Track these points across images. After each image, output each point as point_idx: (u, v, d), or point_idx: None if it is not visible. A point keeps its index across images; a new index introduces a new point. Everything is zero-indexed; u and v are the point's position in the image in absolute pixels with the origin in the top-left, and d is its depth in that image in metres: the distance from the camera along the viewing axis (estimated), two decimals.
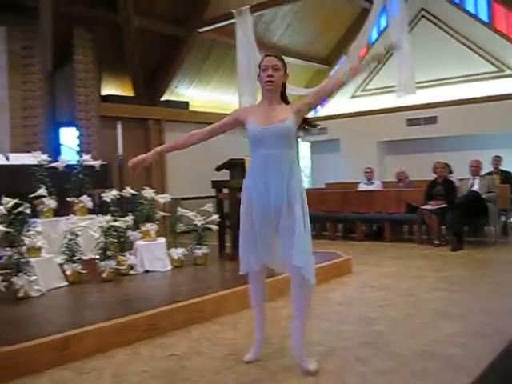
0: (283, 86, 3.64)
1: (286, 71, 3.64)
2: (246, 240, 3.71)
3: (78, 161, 7.32)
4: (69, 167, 6.94)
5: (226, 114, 3.86)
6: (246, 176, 3.68)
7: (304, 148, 16.58)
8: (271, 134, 3.47)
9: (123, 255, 6.32)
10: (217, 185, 7.52)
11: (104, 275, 5.99)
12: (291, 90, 11.21)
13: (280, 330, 4.59)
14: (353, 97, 15.16)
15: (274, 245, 3.62)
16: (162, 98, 12.74)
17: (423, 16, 13.70)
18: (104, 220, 6.16)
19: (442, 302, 5.35)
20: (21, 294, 5.21)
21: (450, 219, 8.89)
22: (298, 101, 3.76)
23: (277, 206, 3.50)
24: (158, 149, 4.01)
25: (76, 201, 6.79)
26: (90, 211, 6.94)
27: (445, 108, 12.79)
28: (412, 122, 13.21)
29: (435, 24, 13.54)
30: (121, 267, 6.23)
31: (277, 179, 3.49)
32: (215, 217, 7.12)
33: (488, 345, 3.97)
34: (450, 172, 10.27)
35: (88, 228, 6.19)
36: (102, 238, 6.10)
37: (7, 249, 5.44)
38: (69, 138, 11.02)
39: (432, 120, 13.00)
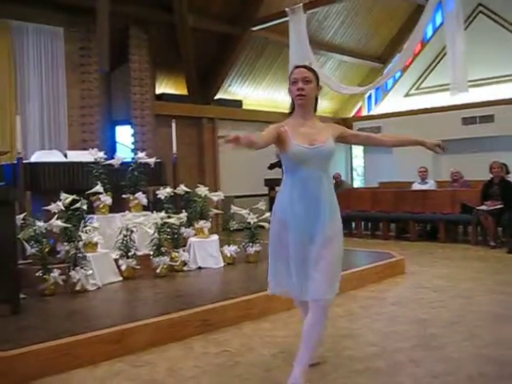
0: (316, 99, 3.42)
1: (318, 83, 3.40)
2: (277, 259, 3.44)
3: (133, 158, 7.44)
4: (124, 164, 7.06)
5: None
6: (278, 197, 3.45)
7: (357, 147, 16.43)
8: (315, 154, 3.24)
9: (177, 251, 6.42)
10: (269, 183, 7.55)
11: (158, 271, 6.10)
12: (344, 89, 11.22)
13: (334, 329, 4.58)
14: (407, 95, 14.95)
15: (306, 272, 3.28)
16: (216, 97, 12.85)
17: (480, 11, 13.37)
18: (158, 217, 6.27)
19: (497, 304, 5.23)
20: (78, 288, 5.36)
21: (507, 220, 8.67)
22: (334, 125, 3.61)
23: (313, 232, 3.26)
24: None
25: (131, 197, 6.91)
26: (145, 208, 7.05)
27: (502, 106, 12.45)
28: (468, 121, 12.93)
29: (493, 19, 13.20)
30: (174, 263, 6.33)
31: (316, 204, 3.26)
32: (268, 215, 7.13)
33: None
34: (507, 172, 9.99)
35: (143, 224, 6.31)
36: (156, 235, 6.22)
37: (65, 244, 5.61)
38: (124, 136, 11.25)
39: (489, 118, 12.69)
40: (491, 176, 9.31)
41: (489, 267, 7.31)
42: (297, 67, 3.41)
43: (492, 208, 8.88)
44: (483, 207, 8.96)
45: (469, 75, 9.02)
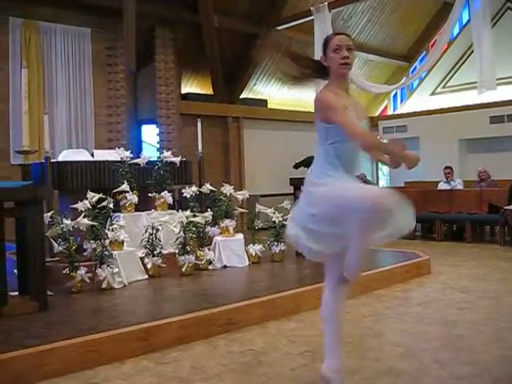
0: None
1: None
2: None
3: (159, 157, 7.49)
4: (150, 163, 7.11)
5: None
6: (323, 168, 3.01)
7: None
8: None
9: (202, 250, 6.46)
10: (294, 182, 7.53)
11: (183, 269, 6.13)
12: (371, 87, 11.15)
13: (359, 329, 4.57)
14: (433, 94, 14.81)
15: None
16: (241, 96, 12.88)
17: (509, 8, 13.19)
18: (184, 215, 6.30)
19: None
20: (104, 285, 5.42)
21: None
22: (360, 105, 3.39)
23: None
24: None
25: (157, 196, 6.95)
26: (170, 207, 7.09)
27: None
28: (495, 120, 12.74)
29: None
30: (199, 262, 6.36)
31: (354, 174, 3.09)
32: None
33: None
34: None
35: (168, 223, 6.34)
36: (181, 233, 6.25)
37: (92, 241, 5.66)
38: (150, 135, 11.34)
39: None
40: None
41: None
42: (337, 34, 3.11)
43: None
44: (511, 207, 8.85)
45: (497, 73, 8.91)
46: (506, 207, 8.91)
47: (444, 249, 8.95)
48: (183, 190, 7.01)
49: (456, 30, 14.10)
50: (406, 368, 3.64)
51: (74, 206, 5.78)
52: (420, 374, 3.53)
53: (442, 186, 10.92)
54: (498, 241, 9.36)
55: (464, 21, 13.75)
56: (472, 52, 8.89)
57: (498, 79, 9.19)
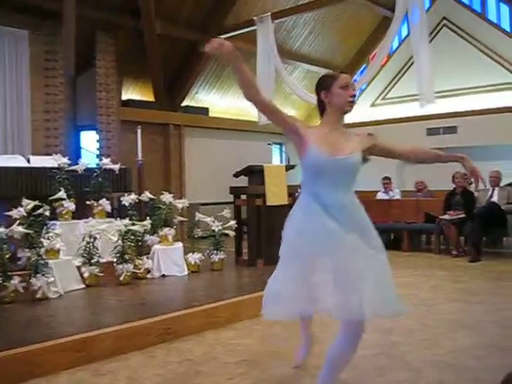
0: None
1: None
2: None
3: (98, 164, 7.37)
4: (88, 170, 6.99)
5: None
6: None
7: None
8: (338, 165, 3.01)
9: (140, 259, 6.37)
10: (235, 191, 7.54)
11: (121, 278, 6.03)
12: (312, 99, 11.27)
13: (298, 336, 4.58)
14: (373, 105, 15.11)
15: None
16: (183, 104, 12.81)
17: (445, 25, 13.63)
18: (122, 224, 6.21)
19: (459, 313, 5.31)
20: (39, 295, 5.27)
21: (469, 230, 8.83)
22: (369, 136, 3.43)
23: None
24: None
25: (95, 204, 6.83)
26: (109, 215, 6.99)
27: (465, 118, 12.69)
28: (432, 132, 13.12)
29: (457, 33, 13.46)
30: (138, 271, 6.27)
31: None
32: (233, 223, 7.14)
33: (504, 357, 3.94)
34: (470, 182, 10.18)
35: (106, 231, 6.24)
36: (119, 242, 6.15)
37: (26, 250, 5.51)
38: (89, 141, 11.13)
39: (452, 130, 12.91)
40: (454, 186, 9.47)
41: (451, 276, 7.41)
42: (342, 72, 3.15)
43: (454, 217, 9.03)
44: (446, 217, 9.11)
45: (435, 87, 9.17)
46: (441, 217, 9.16)
47: None
48: (122, 198, 6.91)
49: (395, 44, 14.48)
50: (343, 376, 3.65)
51: (8, 213, 5.61)
52: (358, 382, 3.58)
53: (381, 196, 11.14)
54: (433, 249, 9.61)
55: (403, 35, 14.12)
56: (411, 65, 9.13)
57: (435, 93, 9.45)
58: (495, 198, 9.10)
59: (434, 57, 9.59)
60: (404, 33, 13.87)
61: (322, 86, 3.09)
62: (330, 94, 3.06)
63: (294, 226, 3.09)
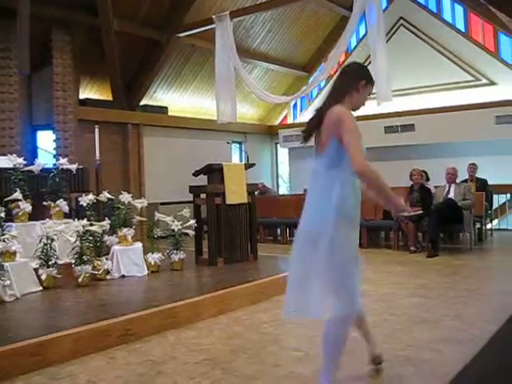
0: None
1: None
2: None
3: (55, 164, 7.25)
4: (45, 171, 6.87)
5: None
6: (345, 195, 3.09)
7: (283, 154, 16.63)
8: None
9: (99, 260, 6.28)
10: (194, 190, 7.51)
11: (79, 280, 5.94)
12: (269, 98, 11.32)
13: (259, 335, 4.61)
14: None
15: None
16: (141, 103, 12.69)
17: (402, 25, 13.85)
18: (80, 224, 6.11)
19: (417, 308, 5.40)
20: None
21: (426, 226, 8.99)
22: None
23: None
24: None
25: (52, 205, 6.72)
26: (66, 215, 6.88)
27: (422, 116, 12.90)
28: (390, 130, 13.30)
29: (413, 33, 13.69)
30: (97, 272, 6.18)
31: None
32: (192, 222, 7.11)
33: (462, 350, 4.02)
34: (427, 179, 10.37)
35: (64, 232, 6.13)
36: (77, 243, 6.06)
37: None
38: (46, 141, 10.93)
39: (409, 127, 13.10)
40: (411, 183, 9.61)
41: (409, 271, 7.53)
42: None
43: (412, 214, 9.12)
44: (404, 213, 9.22)
45: (392, 85, 9.30)
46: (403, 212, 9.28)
47: None
48: (80, 199, 6.80)
49: (354, 43, 14.63)
50: (304, 372, 3.70)
51: None
52: (317, 377, 3.58)
53: None
54: (392, 246, 9.75)
55: (361, 34, 14.28)
56: (368, 64, 9.22)
57: (392, 91, 9.59)
58: (452, 195, 9.28)
59: (391, 56, 9.72)
60: (362, 32, 14.02)
61: (366, 77, 3.17)
62: (362, 89, 3.15)
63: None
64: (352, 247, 3.13)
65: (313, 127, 3.17)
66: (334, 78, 3.28)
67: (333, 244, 2.95)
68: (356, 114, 3.27)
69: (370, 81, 3.20)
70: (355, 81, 3.15)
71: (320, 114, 3.12)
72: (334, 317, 3.06)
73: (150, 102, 12.95)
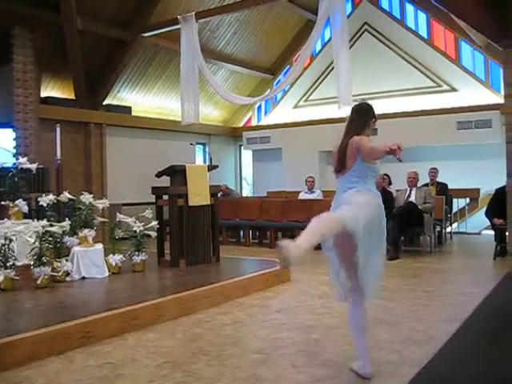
0: None
1: None
2: None
3: (14, 163, 7.11)
4: (4, 170, 6.74)
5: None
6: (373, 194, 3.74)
7: (247, 156, 16.65)
8: None
9: (59, 261, 6.17)
10: (157, 191, 7.45)
11: (38, 282, 5.82)
12: (235, 99, 11.31)
13: (220, 337, 4.59)
14: (296, 106, 15.33)
15: None
16: (104, 102, 12.55)
17: (366, 30, 14.01)
18: (40, 225, 6.00)
19: (378, 309, 5.44)
20: None
21: (388, 229, 9.07)
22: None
23: None
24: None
25: (11, 205, 6.59)
26: (26, 216, 6.76)
27: (385, 120, 12.96)
28: None
29: (377, 38, 13.86)
30: (56, 274, 6.08)
31: None
32: (154, 223, 7.06)
33: (421, 351, 4.08)
34: (390, 183, 10.49)
35: (23, 233, 6.03)
36: (37, 244, 5.93)
37: None
38: (5, 139, 10.71)
39: (372, 132, 13.17)
40: None
41: None
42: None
43: None
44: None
45: (353, 90, 9.38)
46: None
47: None
48: (40, 199, 6.67)
49: (318, 47, 14.74)
50: (264, 374, 3.70)
51: None
52: (278, 379, 3.61)
53: (303, 195, 11.31)
54: None
55: (326, 38, 14.38)
56: (333, 68, 9.31)
57: (354, 95, 9.68)
58: (413, 198, 9.42)
59: (355, 60, 9.82)
60: (327, 36, 14.12)
61: (375, 116, 4.00)
62: (372, 125, 3.99)
63: None
64: None
65: (342, 157, 3.80)
66: (351, 114, 3.99)
67: None
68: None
69: (375, 118, 4.01)
70: (369, 119, 3.95)
71: (344, 144, 3.80)
72: None
73: (114, 102, 12.83)
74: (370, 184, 3.76)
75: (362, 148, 3.66)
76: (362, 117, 3.94)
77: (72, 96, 11.79)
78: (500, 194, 8.25)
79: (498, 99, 11.47)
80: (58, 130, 7.75)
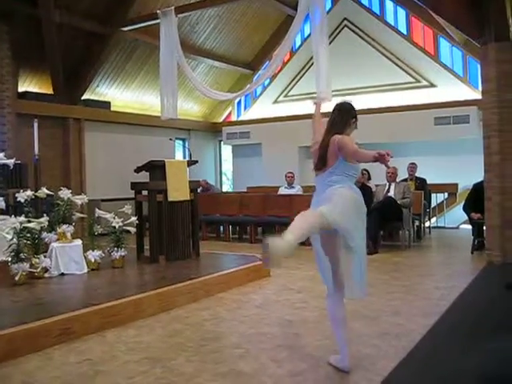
0: None
1: None
2: None
3: None
4: None
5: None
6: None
7: (226, 151, 16.63)
8: None
9: (37, 258, 6.11)
10: (136, 186, 7.41)
11: (16, 278, 5.77)
12: (214, 95, 11.28)
13: (200, 332, 4.59)
14: (275, 102, 15.34)
15: None
16: (83, 97, 12.42)
17: (346, 25, 14.04)
18: (17, 221, 5.93)
19: (356, 304, 5.45)
20: None
21: (367, 223, 9.12)
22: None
23: None
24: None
25: None
26: (3, 212, 6.68)
27: (364, 115, 12.88)
28: None
29: (357, 34, 13.91)
30: (34, 270, 6.02)
31: None
32: (134, 219, 7.03)
33: (398, 345, 4.12)
34: (369, 178, 10.55)
35: (0, 229, 5.95)
36: (14, 240, 5.88)
37: None
38: None
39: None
40: None
41: None
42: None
43: None
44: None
45: (333, 85, 9.42)
46: None
47: None
48: (17, 195, 6.60)
49: (298, 42, 14.75)
50: (244, 369, 3.71)
51: None
52: (258, 374, 3.62)
53: (283, 190, 11.33)
54: None
55: (306, 34, 14.40)
56: (313, 63, 9.32)
57: (333, 91, 9.71)
58: (392, 193, 9.48)
59: (335, 56, 9.86)
60: (307, 31, 14.13)
61: (355, 115, 4.05)
62: (353, 124, 4.03)
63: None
64: None
65: (324, 154, 3.85)
66: (333, 113, 4.06)
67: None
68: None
69: (356, 118, 4.06)
70: (350, 118, 4.00)
71: (326, 142, 3.86)
72: None
73: (93, 97, 12.72)
74: (350, 182, 3.80)
75: (344, 147, 3.70)
76: (344, 116, 4.00)
77: (50, 91, 11.66)
78: (477, 189, 8.36)
79: (476, 95, 11.59)
80: (36, 125, 7.66)
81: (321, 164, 3.86)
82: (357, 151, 3.67)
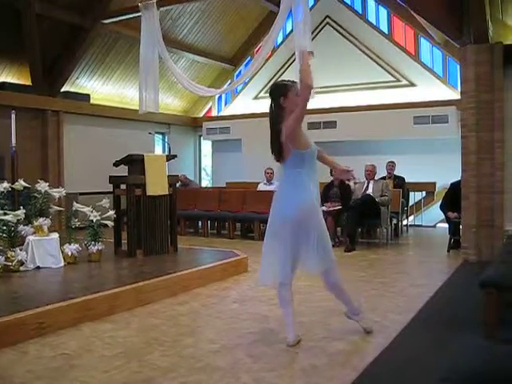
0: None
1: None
2: None
3: None
4: None
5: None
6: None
7: (206, 146, 16.59)
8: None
9: (13, 251, 6.06)
10: (114, 180, 7.37)
11: None
12: (199, 90, 11.22)
13: (176, 327, 4.59)
14: (256, 98, 15.32)
15: None
16: (62, 89, 12.30)
17: (328, 23, 14.06)
18: None
19: (333, 300, 5.46)
20: None
21: (345, 221, 9.20)
22: None
23: None
24: None
25: None
26: None
27: (344, 113, 13.17)
28: (312, 126, 13.46)
29: (338, 32, 13.93)
30: (10, 263, 5.96)
31: None
32: (112, 213, 6.99)
33: (374, 341, 4.16)
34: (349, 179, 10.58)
35: None
36: None
37: None
38: None
39: (332, 124, 13.35)
40: (331, 178, 9.80)
41: None
42: (294, 82, 4.16)
43: (331, 209, 9.36)
44: (323, 208, 9.40)
45: (315, 83, 9.44)
46: (322, 207, 9.46)
47: (262, 248, 9.25)
48: None
49: (280, 38, 14.73)
50: (220, 364, 3.72)
51: None
52: (233, 369, 3.63)
53: (262, 187, 11.34)
54: None
55: (288, 30, 14.40)
56: (294, 60, 9.33)
57: (315, 88, 9.75)
58: (370, 191, 9.54)
59: (316, 53, 9.82)
60: (289, 28, 14.14)
61: (282, 92, 4.04)
62: (287, 100, 4.02)
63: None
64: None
65: (277, 147, 4.03)
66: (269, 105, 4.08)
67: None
68: None
69: (287, 90, 4.04)
70: (281, 97, 3.99)
71: (277, 132, 4.00)
72: None
73: (72, 89, 12.60)
74: (305, 173, 3.98)
75: (287, 129, 3.89)
76: (274, 100, 4.04)
77: (29, 82, 11.54)
78: (455, 188, 8.45)
79: (455, 95, 11.69)
80: (14, 116, 7.56)
81: (278, 157, 4.11)
82: (294, 117, 3.85)
